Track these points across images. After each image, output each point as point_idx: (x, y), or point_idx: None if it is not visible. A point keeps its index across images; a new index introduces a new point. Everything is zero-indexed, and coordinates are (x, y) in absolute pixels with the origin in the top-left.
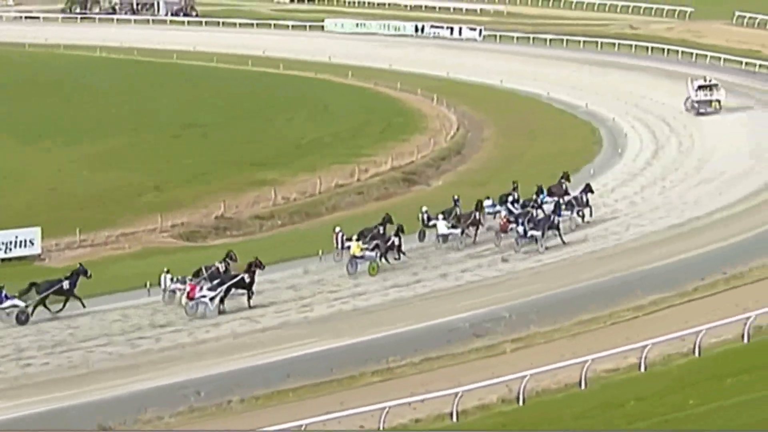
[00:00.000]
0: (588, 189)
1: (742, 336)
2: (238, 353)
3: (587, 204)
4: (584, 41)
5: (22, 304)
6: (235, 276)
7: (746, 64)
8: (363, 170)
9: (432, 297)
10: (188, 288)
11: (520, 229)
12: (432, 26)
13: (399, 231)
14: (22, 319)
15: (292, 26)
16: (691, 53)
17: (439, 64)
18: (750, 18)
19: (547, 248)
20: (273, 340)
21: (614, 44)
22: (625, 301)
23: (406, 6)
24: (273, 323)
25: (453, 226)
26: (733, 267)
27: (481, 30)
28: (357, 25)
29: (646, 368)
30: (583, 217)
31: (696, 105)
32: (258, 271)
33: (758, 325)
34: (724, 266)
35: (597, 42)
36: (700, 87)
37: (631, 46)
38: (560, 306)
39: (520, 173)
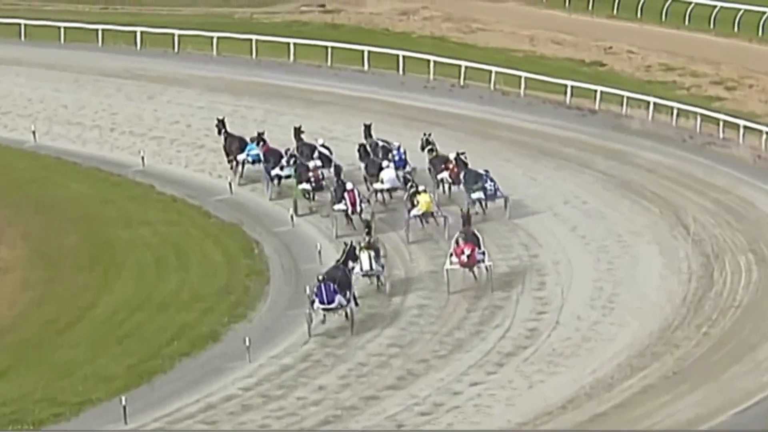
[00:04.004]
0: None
1: None
2: None
3: None
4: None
5: (344, 302)
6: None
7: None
8: None
9: None
10: (467, 250)
11: (489, 185)
12: None
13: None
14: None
15: None
16: (458, 66)
17: None
18: None
19: None
20: None
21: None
22: None
23: None
24: None
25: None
26: None
27: None
28: None
29: None
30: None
31: None
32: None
33: None
34: None
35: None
36: None
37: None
38: None
39: (79, 361)
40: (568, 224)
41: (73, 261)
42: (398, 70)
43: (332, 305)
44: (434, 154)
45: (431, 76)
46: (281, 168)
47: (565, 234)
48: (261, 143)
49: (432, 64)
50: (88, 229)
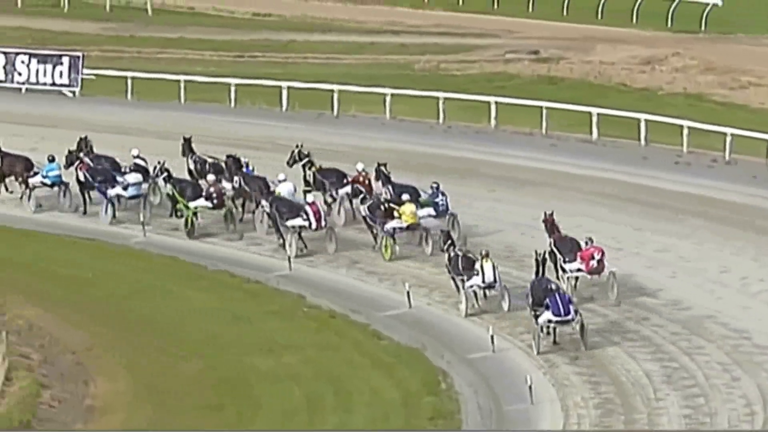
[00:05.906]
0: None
1: None
2: None
3: None
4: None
5: (574, 314)
6: None
7: None
8: None
9: None
10: (597, 255)
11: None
12: None
13: None
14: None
15: None
16: (722, 134)
17: None
18: None
19: None
20: None
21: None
22: None
23: None
24: None
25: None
26: None
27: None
28: None
29: None
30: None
31: None
32: None
33: None
34: None
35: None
36: None
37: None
38: None
39: None
40: None
41: (194, 399)
42: (639, 139)
43: (569, 317)
44: (318, 165)
45: (685, 148)
46: (125, 188)
47: None
48: (76, 162)
49: (686, 131)
50: (213, 355)
